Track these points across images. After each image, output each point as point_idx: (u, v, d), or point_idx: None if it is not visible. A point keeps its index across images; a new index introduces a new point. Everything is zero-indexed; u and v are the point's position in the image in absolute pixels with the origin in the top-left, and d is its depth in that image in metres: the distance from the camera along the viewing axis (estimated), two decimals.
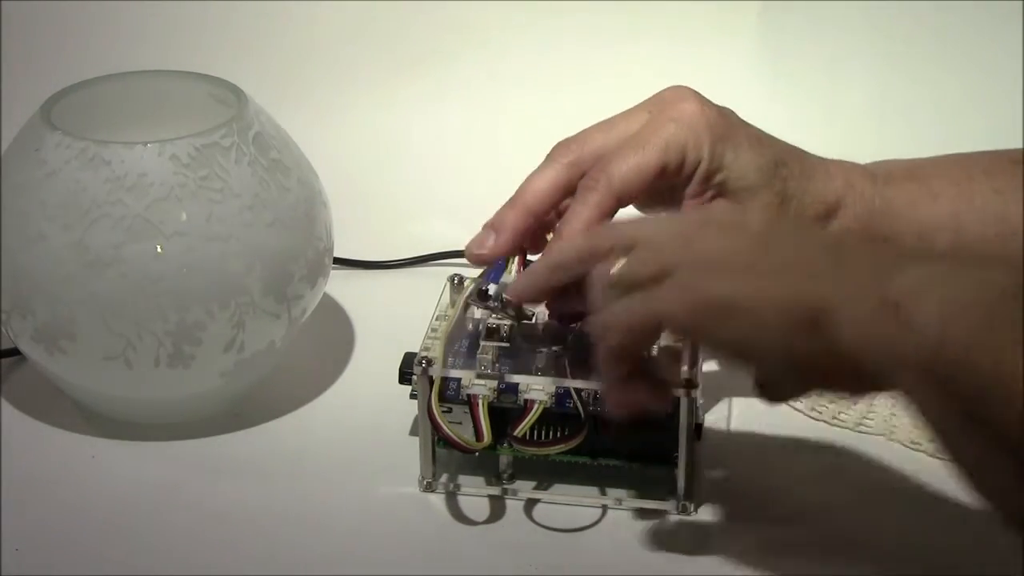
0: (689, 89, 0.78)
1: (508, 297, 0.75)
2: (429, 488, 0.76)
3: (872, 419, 0.81)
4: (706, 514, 0.75)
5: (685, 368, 0.74)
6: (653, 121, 0.77)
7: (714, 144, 0.77)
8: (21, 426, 0.81)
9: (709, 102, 0.78)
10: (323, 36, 1.13)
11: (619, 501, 0.75)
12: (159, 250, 0.75)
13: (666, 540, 0.73)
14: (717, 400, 0.82)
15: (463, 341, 0.76)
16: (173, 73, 0.84)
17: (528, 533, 0.74)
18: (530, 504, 0.75)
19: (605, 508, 0.75)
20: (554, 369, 0.74)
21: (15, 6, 1.11)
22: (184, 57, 1.07)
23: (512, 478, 0.76)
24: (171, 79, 0.83)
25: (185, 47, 1.12)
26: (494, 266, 0.76)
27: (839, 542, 0.73)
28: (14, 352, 0.83)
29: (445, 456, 0.76)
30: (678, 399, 0.72)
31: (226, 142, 0.77)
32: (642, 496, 0.75)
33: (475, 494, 0.76)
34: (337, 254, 0.85)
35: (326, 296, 0.86)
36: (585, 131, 0.79)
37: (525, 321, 0.76)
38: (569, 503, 0.75)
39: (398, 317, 0.85)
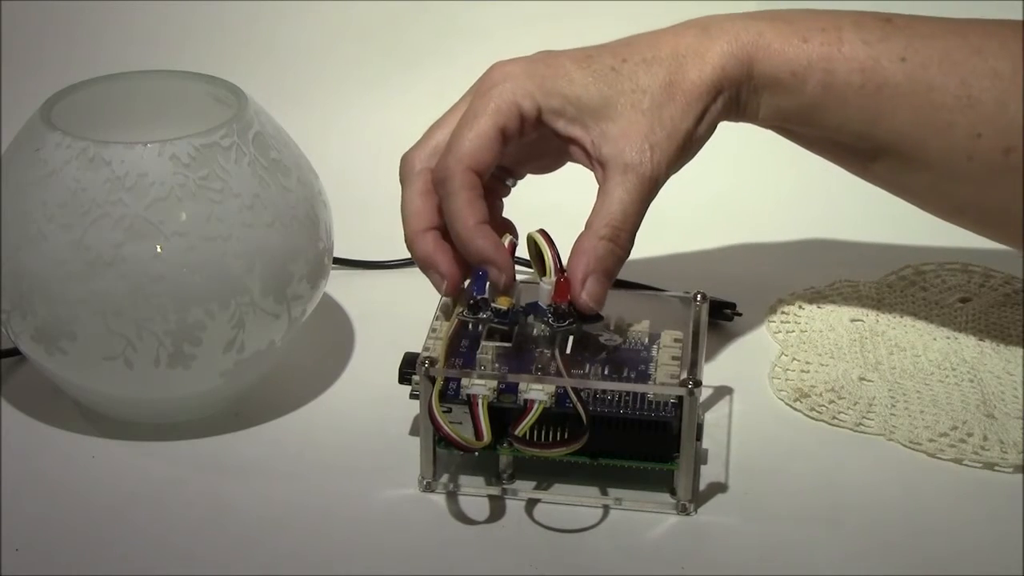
0: (506, 59, 0.79)
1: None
2: (429, 488, 0.76)
3: (872, 419, 0.81)
4: (706, 514, 0.75)
5: (686, 368, 0.74)
6: (477, 95, 0.78)
7: (541, 84, 0.77)
8: (21, 426, 0.81)
9: (527, 56, 0.79)
10: (323, 36, 1.13)
11: (619, 501, 0.75)
12: (159, 250, 0.75)
13: (666, 540, 0.73)
14: (717, 400, 0.82)
15: (463, 341, 0.76)
16: (173, 73, 0.84)
17: (528, 533, 0.74)
18: (530, 504, 0.75)
19: (606, 508, 0.75)
20: (554, 369, 0.74)
21: (15, 6, 1.11)
22: (184, 57, 1.07)
23: (512, 478, 0.76)
24: (171, 79, 0.83)
25: (185, 47, 1.12)
26: (476, 276, 0.76)
27: (839, 542, 0.73)
28: (14, 352, 0.83)
29: (445, 456, 0.76)
30: (679, 399, 0.72)
31: (226, 142, 0.77)
32: (642, 496, 0.75)
33: (475, 494, 0.76)
34: (337, 254, 0.85)
35: (326, 296, 0.86)
36: (424, 134, 0.80)
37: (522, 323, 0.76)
38: (569, 503, 0.75)
39: (398, 317, 0.85)
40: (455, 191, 0.76)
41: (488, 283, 0.76)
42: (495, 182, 0.81)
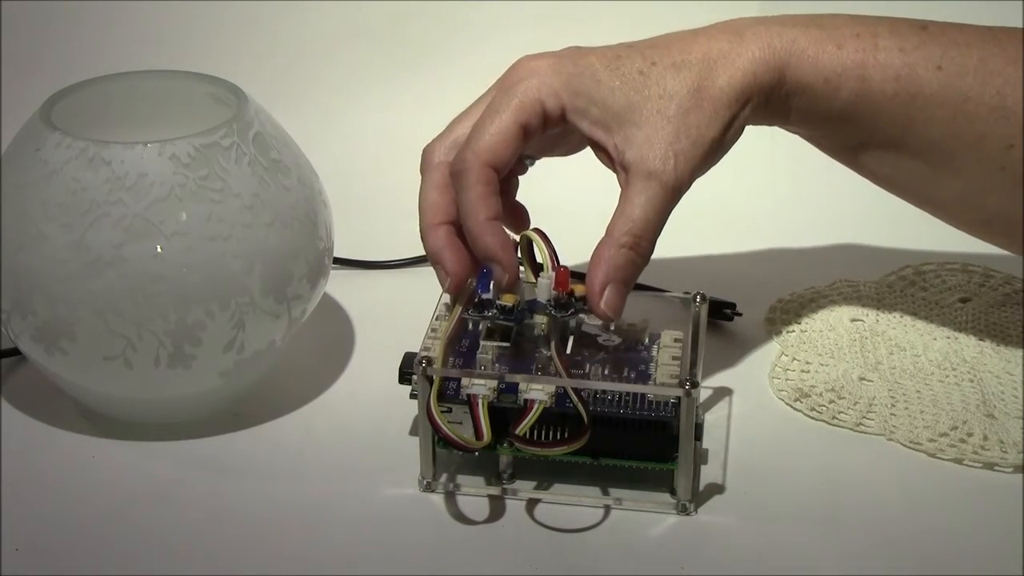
0: (534, 54, 0.78)
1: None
2: (429, 488, 0.76)
3: (872, 419, 0.81)
4: (706, 514, 0.75)
5: (685, 368, 0.74)
6: (501, 89, 0.78)
7: (568, 83, 0.77)
8: (21, 426, 0.81)
9: (555, 52, 0.78)
10: (323, 36, 1.13)
11: (619, 501, 0.75)
12: (159, 250, 0.75)
13: (666, 540, 0.73)
14: (717, 400, 0.82)
15: (463, 341, 0.76)
16: (173, 73, 0.84)
17: (528, 533, 0.74)
18: (530, 504, 0.75)
19: (606, 508, 0.75)
20: (554, 369, 0.74)
21: (15, 6, 1.11)
22: (184, 57, 1.07)
23: (512, 478, 0.76)
24: (171, 79, 0.83)
25: (185, 47, 1.12)
26: (481, 275, 0.76)
27: (838, 542, 0.73)
28: (14, 352, 0.83)
29: (445, 456, 0.76)
30: (678, 399, 0.72)
31: (226, 142, 0.77)
32: (642, 496, 0.75)
33: (475, 494, 0.76)
34: (337, 254, 0.85)
35: (326, 296, 0.86)
36: (447, 127, 0.80)
37: (526, 322, 0.76)
38: (569, 503, 0.75)
39: (398, 317, 0.85)
40: (470, 185, 0.76)
41: (492, 282, 0.76)
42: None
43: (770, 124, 0.80)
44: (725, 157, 0.79)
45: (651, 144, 0.76)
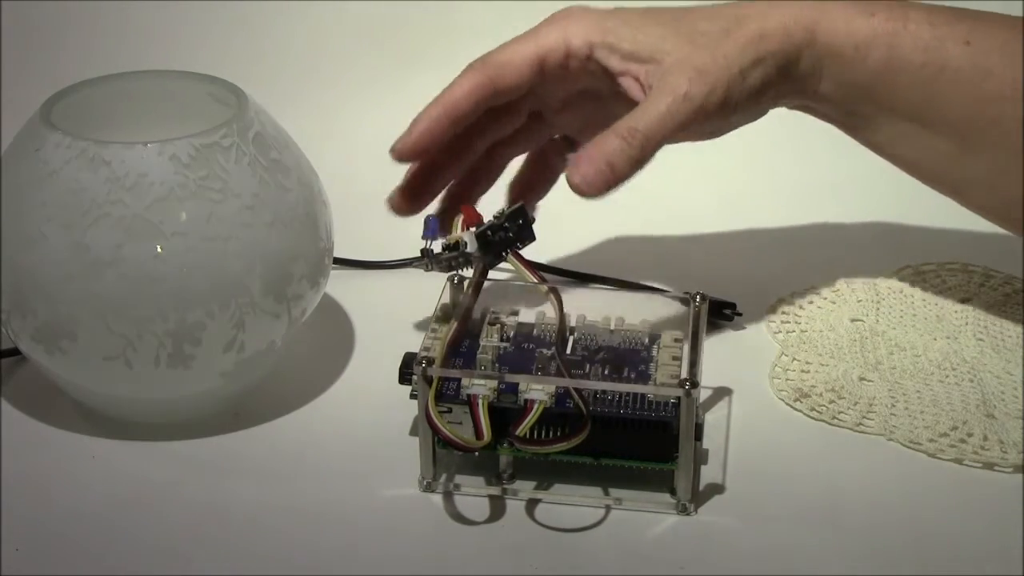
0: (573, 6, 0.81)
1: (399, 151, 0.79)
2: (429, 488, 0.76)
3: (872, 419, 0.81)
4: (706, 514, 0.75)
5: (685, 368, 0.74)
6: (540, 24, 0.80)
7: (599, 23, 0.79)
8: (21, 426, 0.81)
9: (595, 7, 0.81)
10: (323, 36, 1.13)
11: (619, 501, 0.75)
12: (159, 250, 0.75)
13: (666, 540, 0.73)
14: (717, 400, 0.82)
15: (464, 341, 0.76)
16: (173, 73, 0.84)
17: (528, 533, 0.74)
18: (530, 504, 0.75)
19: (608, 508, 0.75)
20: (554, 369, 0.74)
21: (15, 6, 1.11)
22: (184, 57, 1.07)
23: (512, 478, 0.76)
24: (171, 79, 0.83)
25: (185, 47, 1.12)
26: (429, 227, 0.78)
27: (838, 542, 0.73)
28: (14, 352, 0.83)
29: (445, 456, 0.76)
30: (678, 399, 0.72)
31: (226, 142, 0.77)
32: (642, 496, 0.75)
33: (475, 494, 0.76)
34: (337, 254, 0.85)
35: (326, 296, 0.86)
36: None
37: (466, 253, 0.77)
38: (569, 503, 0.75)
39: (398, 317, 0.85)
40: (464, 79, 0.79)
41: (437, 230, 0.77)
42: (555, 156, 0.82)
43: (802, 98, 0.80)
44: (726, 158, 0.79)
45: (679, 64, 0.77)
